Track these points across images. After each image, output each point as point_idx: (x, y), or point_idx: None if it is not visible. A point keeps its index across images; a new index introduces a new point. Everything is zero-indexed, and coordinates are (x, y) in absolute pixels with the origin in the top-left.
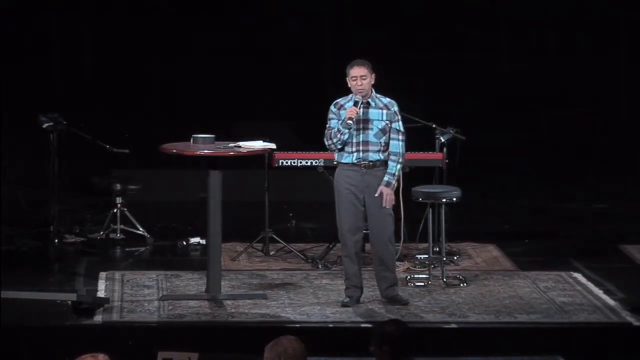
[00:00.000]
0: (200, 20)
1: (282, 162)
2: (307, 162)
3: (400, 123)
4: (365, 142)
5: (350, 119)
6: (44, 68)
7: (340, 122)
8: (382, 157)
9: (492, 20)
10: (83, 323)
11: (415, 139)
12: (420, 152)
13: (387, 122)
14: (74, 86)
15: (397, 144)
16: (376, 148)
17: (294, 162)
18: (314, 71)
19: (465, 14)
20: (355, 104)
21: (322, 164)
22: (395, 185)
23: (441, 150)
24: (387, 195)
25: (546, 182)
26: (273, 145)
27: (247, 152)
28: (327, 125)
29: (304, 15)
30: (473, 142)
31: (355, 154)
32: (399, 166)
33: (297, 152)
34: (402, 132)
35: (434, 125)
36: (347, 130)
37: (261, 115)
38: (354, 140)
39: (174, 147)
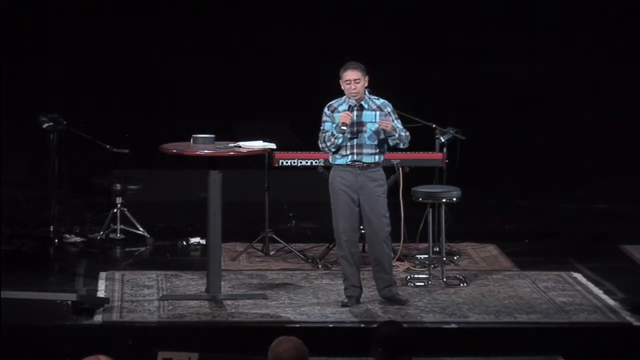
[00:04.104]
0: (200, 20)
1: (282, 162)
2: (307, 162)
3: (398, 121)
4: (360, 145)
5: (344, 124)
6: (44, 68)
7: (334, 125)
8: (376, 159)
9: (492, 21)
10: (83, 323)
11: (415, 139)
12: (420, 152)
13: (380, 123)
14: (74, 86)
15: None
16: (370, 150)
17: (294, 162)
18: (315, 71)
19: (465, 15)
20: (349, 108)
21: (322, 164)
22: (392, 126)
23: (441, 150)
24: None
25: (546, 182)
26: (273, 145)
27: (247, 152)
28: (321, 128)
29: (304, 15)
30: (473, 142)
31: (349, 156)
32: (404, 132)
33: (297, 152)
34: (402, 128)
35: (434, 125)
36: (341, 135)
37: (261, 115)
38: (348, 144)
39: (174, 147)
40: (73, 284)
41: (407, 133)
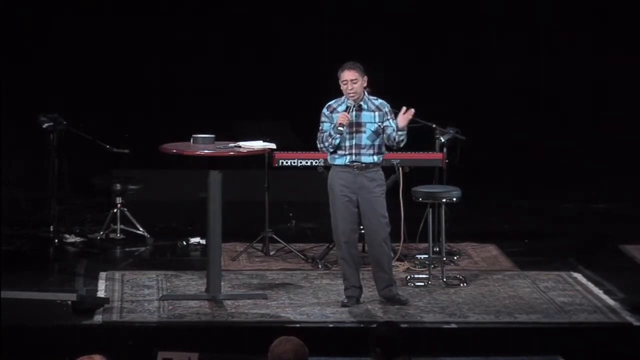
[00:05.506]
0: (200, 20)
1: (282, 162)
2: (307, 162)
3: (393, 121)
4: (358, 145)
5: (341, 125)
6: (44, 68)
7: (332, 126)
8: (375, 160)
9: (492, 21)
10: (83, 323)
11: (415, 139)
12: (420, 152)
13: (379, 124)
14: (74, 86)
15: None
16: (370, 151)
17: (294, 162)
18: (315, 71)
19: (465, 15)
20: (347, 109)
21: (322, 164)
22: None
23: (441, 150)
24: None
25: (546, 182)
26: (273, 145)
27: (247, 152)
28: (320, 128)
29: (304, 15)
30: (473, 142)
31: (348, 157)
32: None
33: (297, 152)
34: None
35: (434, 125)
36: (338, 136)
37: (261, 115)
38: (347, 144)
39: (174, 147)
40: (73, 284)
41: (403, 138)
